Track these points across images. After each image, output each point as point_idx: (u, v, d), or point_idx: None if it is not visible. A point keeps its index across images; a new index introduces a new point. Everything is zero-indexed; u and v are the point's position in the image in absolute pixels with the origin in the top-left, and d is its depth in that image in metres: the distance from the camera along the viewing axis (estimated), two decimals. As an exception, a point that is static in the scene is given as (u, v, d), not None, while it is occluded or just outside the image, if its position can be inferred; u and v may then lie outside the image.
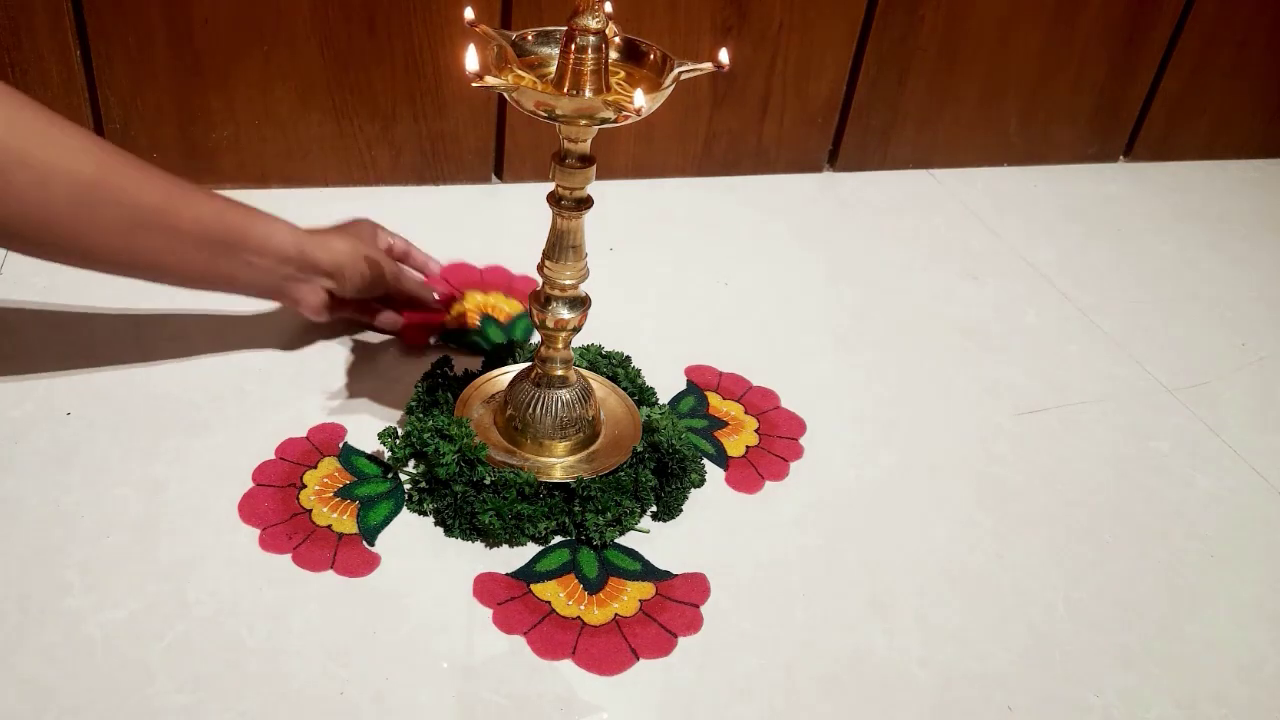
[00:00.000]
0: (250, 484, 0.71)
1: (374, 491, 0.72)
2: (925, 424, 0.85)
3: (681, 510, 0.73)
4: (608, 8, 0.63)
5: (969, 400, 0.88)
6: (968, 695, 0.63)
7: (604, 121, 0.61)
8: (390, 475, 0.73)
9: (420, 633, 0.62)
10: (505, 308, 0.91)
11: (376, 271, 0.82)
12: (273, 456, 0.73)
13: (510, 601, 0.65)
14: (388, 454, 0.72)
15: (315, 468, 0.73)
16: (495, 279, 0.95)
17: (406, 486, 0.72)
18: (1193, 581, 0.74)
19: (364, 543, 0.68)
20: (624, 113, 0.60)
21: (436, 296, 0.89)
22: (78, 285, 0.87)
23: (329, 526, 0.69)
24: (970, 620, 0.68)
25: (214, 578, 0.64)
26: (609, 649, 0.63)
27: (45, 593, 0.62)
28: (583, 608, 0.65)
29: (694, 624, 0.65)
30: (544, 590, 0.66)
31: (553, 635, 0.63)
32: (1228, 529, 0.79)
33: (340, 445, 0.75)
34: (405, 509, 0.71)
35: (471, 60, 0.60)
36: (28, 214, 0.65)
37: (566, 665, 0.62)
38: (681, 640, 0.64)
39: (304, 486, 0.71)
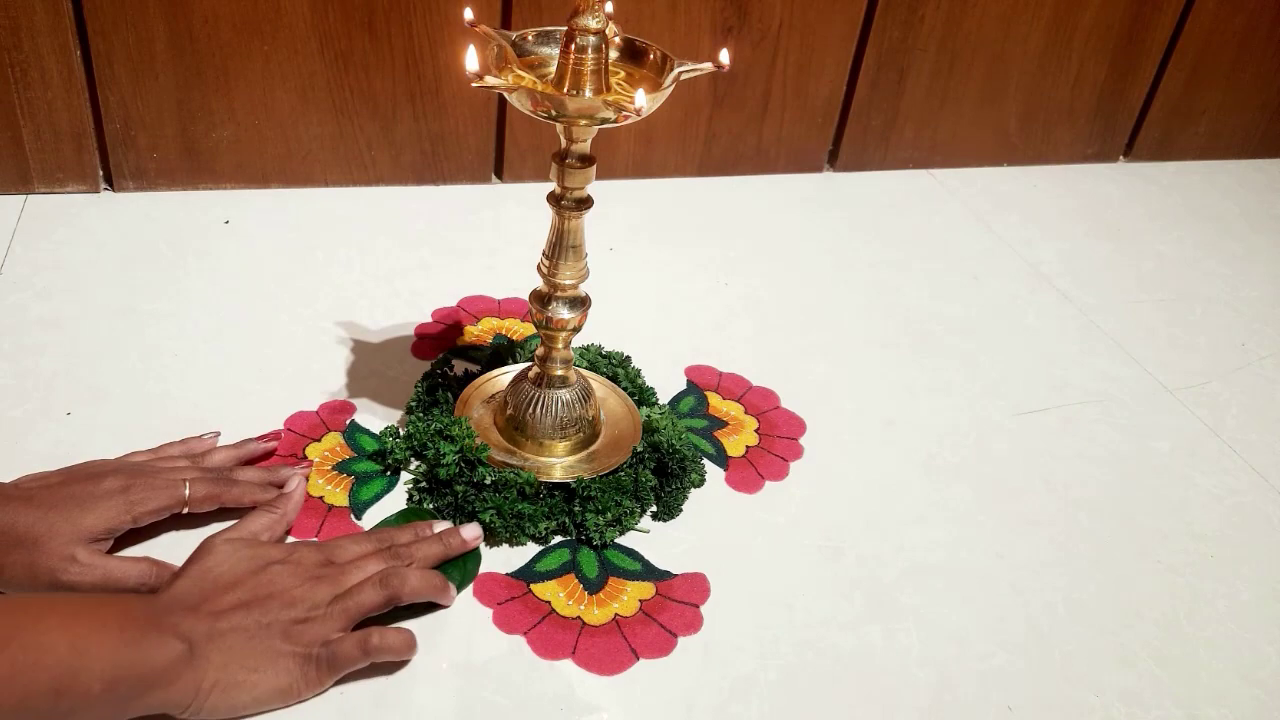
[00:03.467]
0: None
1: (370, 468, 0.73)
2: (925, 424, 0.85)
3: (681, 510, 0.73)
4: (608, 8, 0.63)
5: (969, 400, 0.88)
6: (968, 695, 0.63)
7: (604, 121, 0.61)
8: (388, 470, 0.73)
9: (420, 633, 0.62)
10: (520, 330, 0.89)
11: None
12: (281, 428, 0.75)
13: (510, 601, 0.65)
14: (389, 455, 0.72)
15: (319, 441, 0.74)
16: (513, 309, 0.92)
17: (406, 485, 0.72)
18: (1193, 581, 0.74)
19: (352, 516, 0.69)
20: (624, 113, 0.60)
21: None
22: (78, 285, 0.87)
23: (321, 498, 0.70)
24: (970, 620, 0.68)
25: (214, 578, 0.64)
26: (609, 649, 0.63)
27: (45, 593, 0.62)
28: (583, 608, 0.65)
29: (694, 624, 0.65)
30: (544, 590, 0.66)
31: (553, 635, 0.63)
32: (1228, 529, 0.79)
33: (347, 423, 0.76)
34: (401, 492, 0.71)
35: (471, 60, 0.60)
36: None
37: (566, 665, 0.62)
38: (681, 640, 0.64)
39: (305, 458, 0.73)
